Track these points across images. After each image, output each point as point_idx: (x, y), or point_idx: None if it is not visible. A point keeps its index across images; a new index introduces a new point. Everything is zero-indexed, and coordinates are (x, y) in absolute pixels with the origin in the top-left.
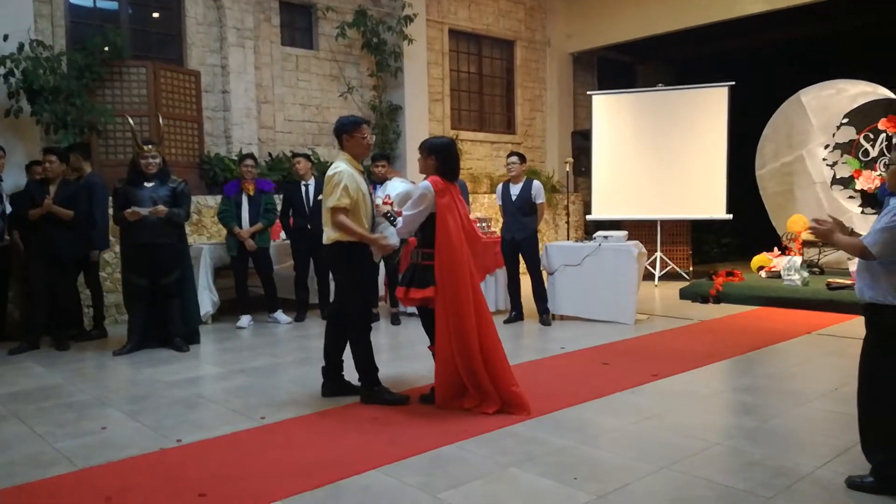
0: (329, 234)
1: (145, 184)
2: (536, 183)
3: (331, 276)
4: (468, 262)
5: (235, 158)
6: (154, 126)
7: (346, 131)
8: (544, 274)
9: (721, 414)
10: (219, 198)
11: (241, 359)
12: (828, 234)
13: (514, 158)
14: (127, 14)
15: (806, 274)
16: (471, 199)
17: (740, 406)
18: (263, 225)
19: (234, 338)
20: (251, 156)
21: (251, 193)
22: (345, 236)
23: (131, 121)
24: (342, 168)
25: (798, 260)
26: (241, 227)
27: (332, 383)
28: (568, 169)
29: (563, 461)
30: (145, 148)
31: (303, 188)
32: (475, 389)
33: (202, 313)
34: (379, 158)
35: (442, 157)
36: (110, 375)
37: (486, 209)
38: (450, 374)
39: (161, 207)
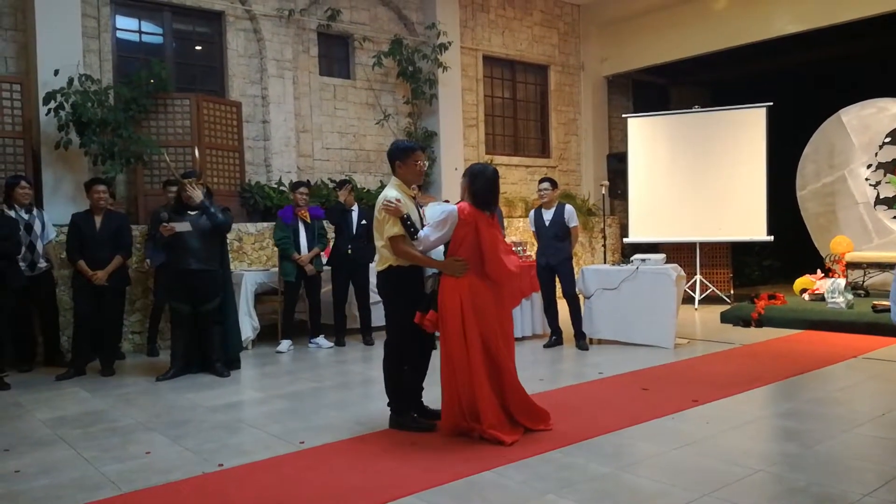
0: (382, 260)
1: (189, 212)
2: (569, 207)
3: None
4: (466, 288)
5: (275, 186)
6: (195, 158)
7: (399, 157)
8: (581, 298)
9: (764, 440)
10: (260, 225)
11: (280, 384)
12: None
13: (547, 184)
14: (171, 48)
15: (850, 296)
16: (506, 224)
17: (783, 432)
18: (319, 249)
19: (274, 363)
20: (305, 183)
21: (308, 220)
22: (399, 261)
23: (167, 156)
24: (391, 195)
25: (842, 282)
26: (299, 252)
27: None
28: (604, 192)
29: (601, 488)
30: (186, 182)
31: (347, 213)
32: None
33: (242, 339)
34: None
35: (474, 182)
36: (154, 400)
37: (521, 233)
38: (447, 398)
39: (196, 199)
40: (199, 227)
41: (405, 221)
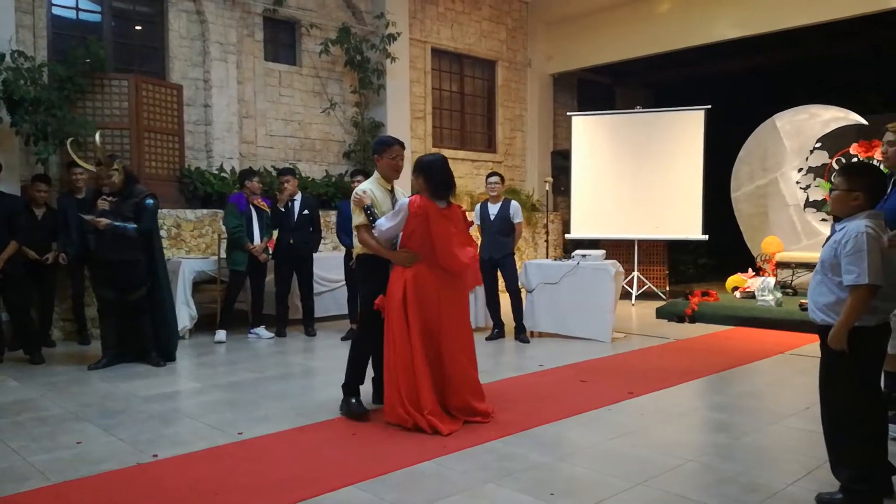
0: (356, 247)
1: (110, 198)
2: (514, 203)
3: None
4: (410, 278)
5: (216, 173)
6: (100, 143)
7: (377, 151)
8: (523, 292)
9: (695, 431)
10: (199, 212)
11: (219, 374)
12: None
13: (497, 178)
14: (110, 26)
15: (779, 295)
16: None
17: (714, 423)
18: (268, 239)
19: (211, 353)
20: (258, 172)
21: (266, 209)
22: (364, 249)
23: (97, 138)
24: (364, 188)
25: (772, 281)
26: (252, 241)
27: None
28: (547, 188)
29: (540, 477)
30: (96, 170)
31: (288, 203)
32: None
33: (179, 328)
34: (356, 174)
35: (426, 174)
36: (85, 390)
37: None
38: (388, 385)
39: (103, 220)
40: (119, 213)
41: (366, 210)
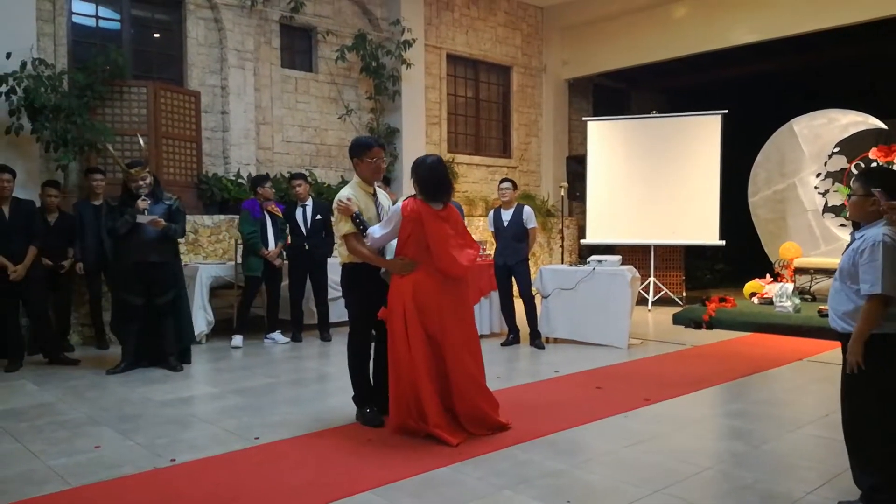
0: (341, 255)
1: (141, 202)
2: (527, 208)
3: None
4: (409, 287)
5: (234, 179)
6: (146, 147)
7: (355, 154)
8: (538, 297)
9: (712, 438)
10: (217, 218)
11: (235, 378)
12: None
13: (508, 184)
14: (129, 34)
15: (798, 301)
16: (466, 222)
17: (731, 431)
18: (283, 244)
19: (228, 358)
20: (269, 178)
21: (280, 215)
22: (351, 258)
23: (111, 147)
24: (346, 194)
25: (790, 287)
26: (266, 247)
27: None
28: (563, 193)
29: (556, 484)
30: (133, 171)
31: (300, 209)
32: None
33: (196, 333)
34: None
35: (417, 175)
36: (103, 394)
37: (481, 232)
38: (394, 397)
39: (160, 220)
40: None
41: (354, 219)
